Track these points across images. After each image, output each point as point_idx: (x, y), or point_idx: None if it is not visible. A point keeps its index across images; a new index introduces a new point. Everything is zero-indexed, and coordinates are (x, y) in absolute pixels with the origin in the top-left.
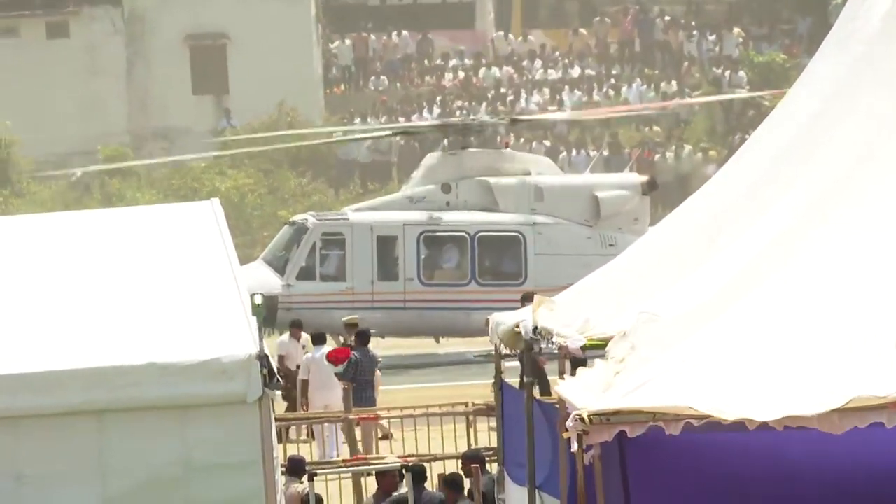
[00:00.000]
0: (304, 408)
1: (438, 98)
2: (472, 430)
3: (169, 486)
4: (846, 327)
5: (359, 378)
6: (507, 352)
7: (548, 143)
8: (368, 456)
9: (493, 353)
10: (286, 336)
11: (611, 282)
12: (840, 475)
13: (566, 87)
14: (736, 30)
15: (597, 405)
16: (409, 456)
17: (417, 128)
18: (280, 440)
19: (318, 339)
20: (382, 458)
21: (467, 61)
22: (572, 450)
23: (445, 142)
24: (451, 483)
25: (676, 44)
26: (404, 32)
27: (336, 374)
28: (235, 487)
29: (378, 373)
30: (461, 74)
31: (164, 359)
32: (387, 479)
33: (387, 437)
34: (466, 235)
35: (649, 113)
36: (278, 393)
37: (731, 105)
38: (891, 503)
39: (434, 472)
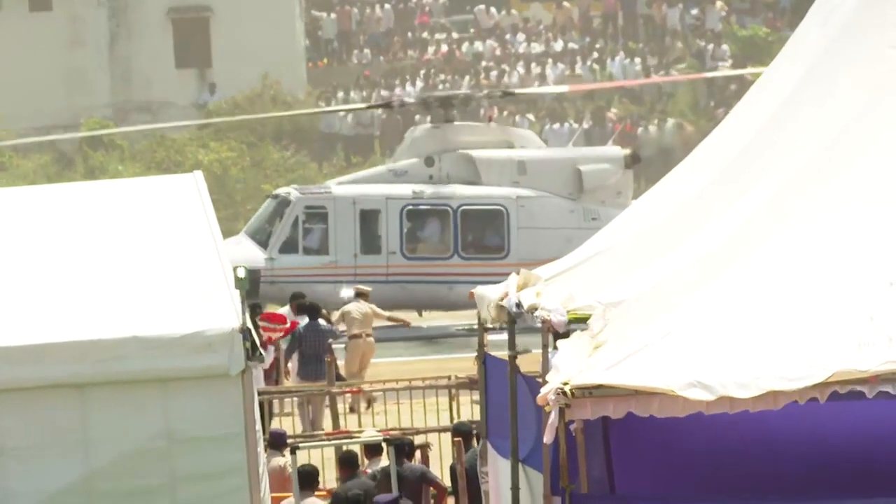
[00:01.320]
0: (287, 379)
1: (422, 72)
2: (454, 404)
3: (152, 459)
4: (827, 303)
5: (305, 351)
6: (491, 325)
7: (531, 116)
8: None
9: (476, 326)
10: (287, 308)
11: (594, 257)
12: (824, 450)
13: (549, 60)
14: (719, 3)
15: (579, 379)
16: (392, 429)
17: (421, 101)
18: (263, 414)
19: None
20: (363, 431)
21: (454, 35)
22: (552, 422)
23: (428, 116)
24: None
25: (660, 17)
26: (387, 6)
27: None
28: (218, 460)
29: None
30: (444, 48)
31: (146, 332)
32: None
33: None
34: (449, 209)
35: (634, 86)
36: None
37: (714, 79)
38: (878, 476)
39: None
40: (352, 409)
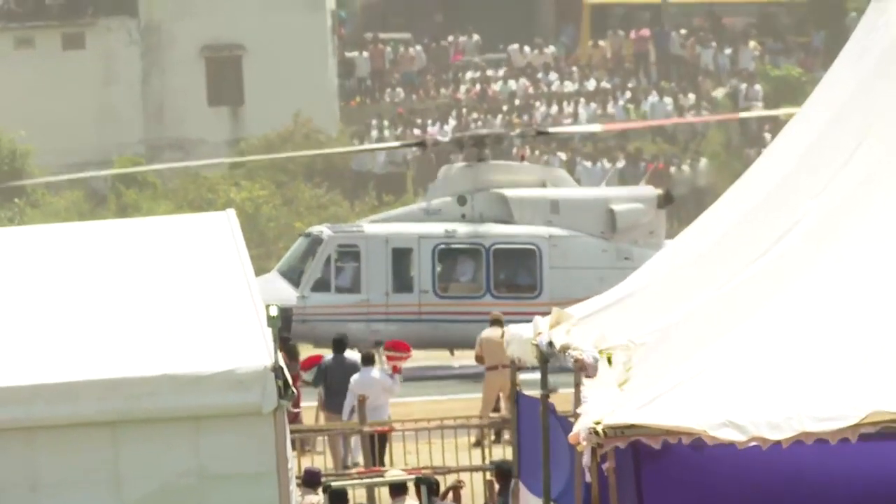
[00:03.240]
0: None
1: (454, 110)
2: (486, 443)
3: (183, 497)
4: (860, 342)
5: (330, 385)
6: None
7: (563, 155)
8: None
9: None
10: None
11: (627, 296)
12: (860, 489)
13: (582, 98)
14: (752, 43)
15: (611, 418)
16: (423, 468)
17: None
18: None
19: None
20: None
21: (489, 73)
22: (585, 462)
23: (461, 154)
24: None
25: (693, 57)
26: (418, 47)
27: (305, 381)
28: (250, 498)
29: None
30: (477, 86)
31: (179, 370)
32: None
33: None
34: (482, 248)
35: (667, 126)
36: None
37: (747, 119)
38: None
39: (446, 484)
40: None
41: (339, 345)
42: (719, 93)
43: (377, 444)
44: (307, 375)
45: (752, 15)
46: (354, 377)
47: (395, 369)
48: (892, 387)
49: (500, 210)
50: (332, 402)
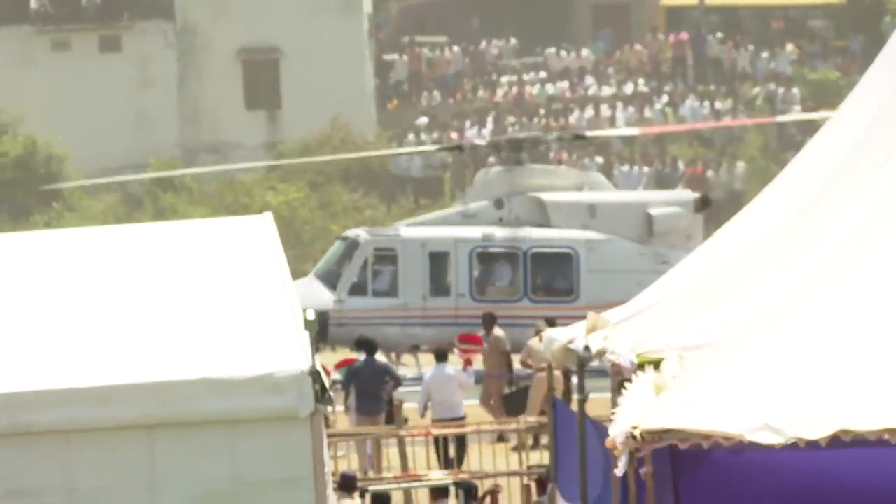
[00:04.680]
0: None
1: (492, 114)
2: (524, 448)
3: (219, 501)
4: None
5: (360, 387)
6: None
7: (600, 159)
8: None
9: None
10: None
11: (662, 300)
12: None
13: (619, 102)
14: (789, 47)
15: (648, 423)
16: (461, 472)
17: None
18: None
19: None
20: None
21: (524, 77)
22: (622, 467)
23: (498, 158)
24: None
25: (730, 60)
26: (456, 48)
27: (334, 383)
28: (286, 503)
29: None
30: (514, 90)
31: (215, 373)
32: None
33: None
34: (519, 251)
35: (704, 129)
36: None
37: (785, 122)
38: None
39: (484, 489)
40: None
41: (370, 347)
42: (757, 97)
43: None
44: (337, 374)
45: (789, 19)
46: (428, 374)
47: (468, 362)
48: None
49: (537, 214)
50: (363, 404)
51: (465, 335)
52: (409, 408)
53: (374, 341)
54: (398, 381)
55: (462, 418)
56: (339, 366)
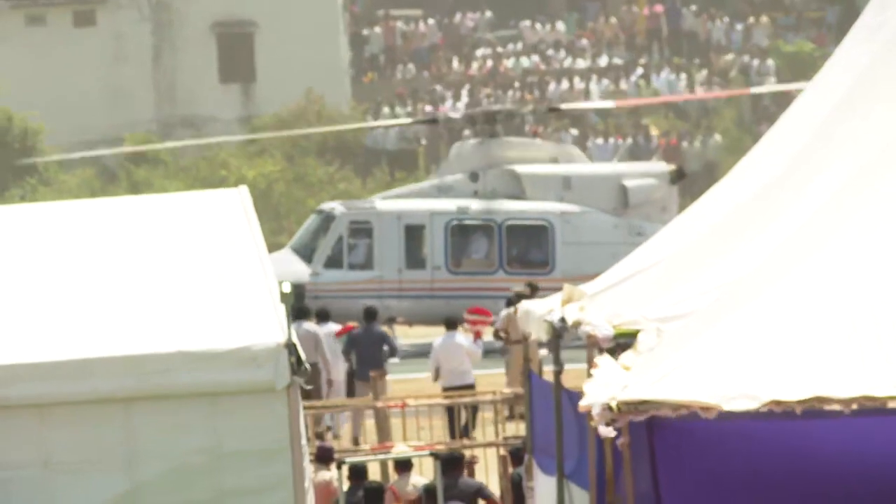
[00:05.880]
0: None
1: (466, 87)
2: (499, 419)
3: (197, 474)
4: (878, 315)
5: (359, 354)
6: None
7: (575, 131)
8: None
9: (522, 341)
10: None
11: (638, 272)
12: (879, 469)
13: (594, 75)
14: (764, 19)
15: (624, 394)
16: (437, 443)
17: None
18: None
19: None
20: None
21: (499, 50)
22: (601, 433)
23: (473, 131)
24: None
25: (704, 32)
26: (431, 20)
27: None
28: (264, 475)
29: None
30: (489, 63)
31: (192, 346)
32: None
33: None
34: (494, 224)
35: (679, 101)
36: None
37: (759, 94)
38: None
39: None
40: None
41: (369, 315)
42: (731, 68)
43: (469, 415)
44: (338, 342)
45: None
46: (437, 341)
47: (478, 334)
48: None
49: (512, 186)
50: (362, 371)
51: (475, 308)
52: (392, 379)
53: (374, 308)
54: (394, 350)
55: (471, 386)
56: (339, 333)
